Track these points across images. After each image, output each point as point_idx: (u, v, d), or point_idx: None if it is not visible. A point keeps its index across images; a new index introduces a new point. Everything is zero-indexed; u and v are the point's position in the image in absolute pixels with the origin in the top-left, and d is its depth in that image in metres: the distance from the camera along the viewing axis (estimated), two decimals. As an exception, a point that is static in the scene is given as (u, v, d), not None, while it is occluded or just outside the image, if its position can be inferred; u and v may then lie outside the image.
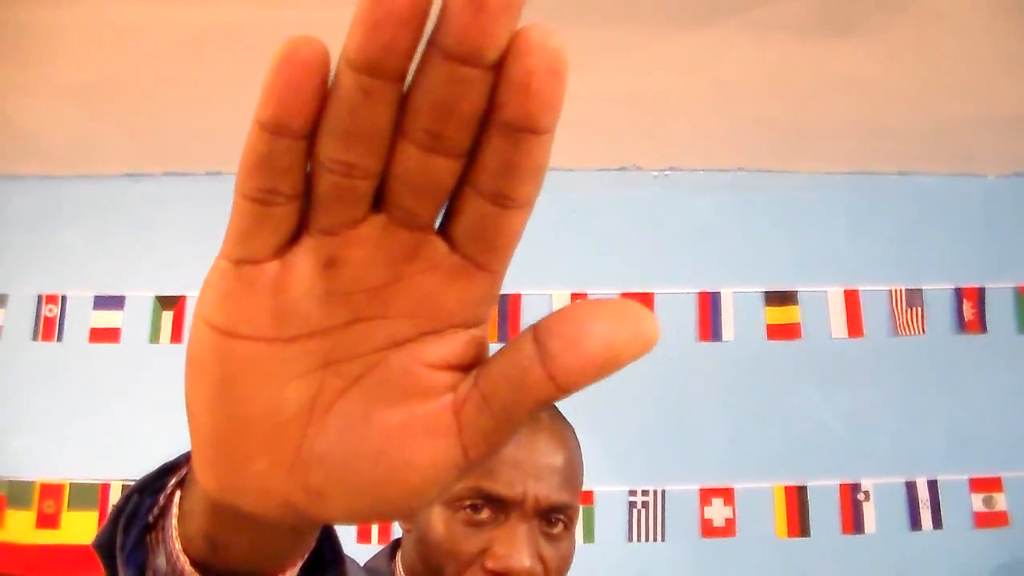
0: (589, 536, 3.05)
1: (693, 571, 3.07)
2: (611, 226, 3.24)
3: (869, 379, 3.21)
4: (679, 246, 3.24)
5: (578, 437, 0.99)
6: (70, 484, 3.18)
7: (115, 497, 3.15)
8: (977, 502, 3.17)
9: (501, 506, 0.90)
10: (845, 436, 3.16)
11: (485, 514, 0.90)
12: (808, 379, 3.19)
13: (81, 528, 3.16)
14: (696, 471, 3.10)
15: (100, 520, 3.14)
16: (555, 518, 0.93)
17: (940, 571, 3.11)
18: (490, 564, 0.88)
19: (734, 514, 3.10)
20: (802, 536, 3.10)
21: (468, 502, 0.90)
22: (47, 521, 3.17)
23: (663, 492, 3.08)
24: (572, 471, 0.95)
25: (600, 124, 2.91)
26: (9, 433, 3.24)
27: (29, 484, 3.20)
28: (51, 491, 3.18)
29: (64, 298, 3.28)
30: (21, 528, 3.18)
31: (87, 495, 3.17)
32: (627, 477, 3.08)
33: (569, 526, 0.95)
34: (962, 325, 3.27)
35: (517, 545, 0.89)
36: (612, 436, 2.95)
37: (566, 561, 0.94)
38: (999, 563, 3.11)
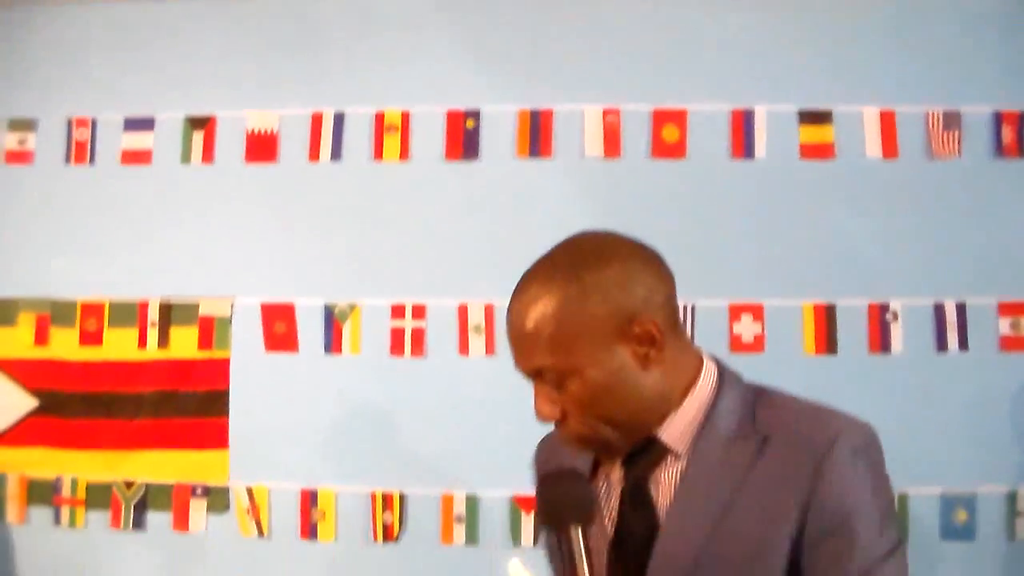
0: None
1: (721, 384, 3.11)
2: (645, 42, 3.18)
3: (902, 201, 3.17)
4: (713, 63, 3.18)
5: (575, 287, 1.04)
6: (110, 303, 3.26)
7: (153, 314, 3.22)
8: (1004, 326, 3.17)
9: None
10: (875, 257, 3.15)
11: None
12: (840, 199, 3.17)
13: (122, 344, 3.25)
14: (726, 287, 3.11)
15: (140, 338, 3.23)
16: (545, 376, 1.05)
17: (965, 392, 3.14)
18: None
19: (763, 330, 3.13)
20: (829, 354, 3.13)
21: None
22: (90, 339, 3.26)
23: (693, 307, 3.11)
24: (544, 331, 1.02)
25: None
26: (48, 255, 3.30)
27: (71, 303, 3.28)
28: (92, 310, 3.27)
29: (95, 121, 3.30)
30: (65, 346, 3.28)
31: (127, 313, 3.25)
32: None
33: (563, 379, 1.04)
34: (1000, 149, 3.22)
35: (535, 401, 1.08)
36: (643, 250, 2.96)
37: (580, 398, 1.04)
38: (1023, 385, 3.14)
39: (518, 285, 1.08)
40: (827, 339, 3.14)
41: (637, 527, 1.09)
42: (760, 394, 1.14)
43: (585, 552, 0.99)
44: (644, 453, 1.10)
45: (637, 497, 1.10)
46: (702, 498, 1.06)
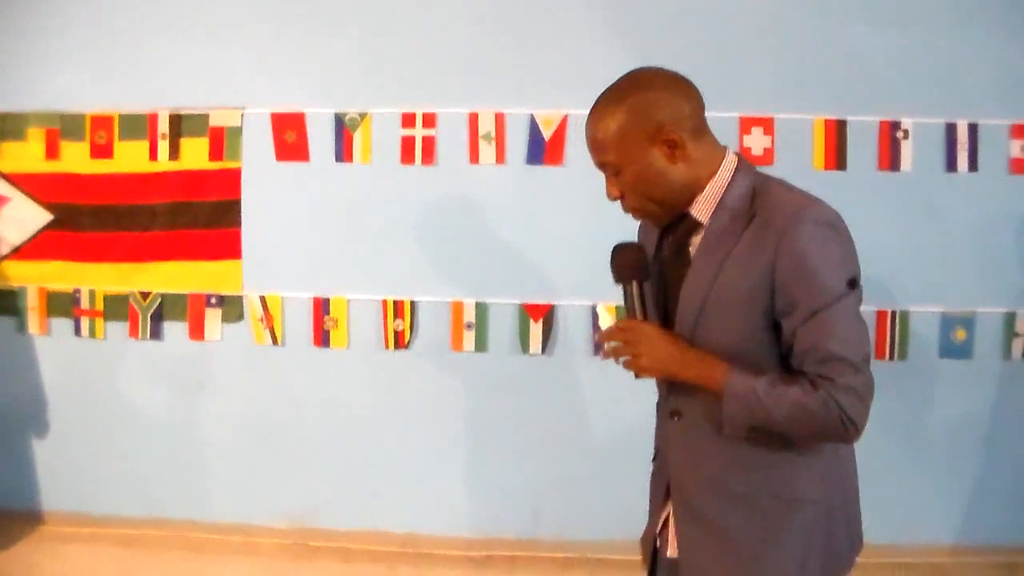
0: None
1: (729, 197, 3.13)
2: None
3: (919, 17, 3.11)
4: None
5: (622, 109, 1.42)
6: (119, 115, 3.25)
7: (163, 126, 3.22)
8: (1015, 148, 3.15)
9: None
10: (889, 74, 3.11)
11: None
12: (856, 13, 3.10)
13: (133, 157, 3.25)
14: (737, 100, 3.10)
15: (151, 150, 3.23)
16: (608, 168, 1.47)
17: (971, 213, 3.15)
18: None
19: (772, 144, 3.12)
20: (838, 169, 3.13)
21: None
22: (100, 151, 3.27)
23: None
24: (606, 138, 1.43)
25: None
26: (55, 68, 3.27)
27: (80, 116, 3.27)
28: (101, 123, 3.26)
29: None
30: (76, 159, 3.29)
31: (136, 125, 3.24)
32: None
33: (620, 170, 1.44)
34: (1018, -33, 3.14)
35: (606, 185, 1.49)
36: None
37: (631, 182, 1.44)
38: (1031, 207, 3.15)
39: (592, 105, 1.48)
40: (836, 154, 3.13)
41: (676, 278, 1.49)
42: (764, 183, 1.46)
43: (640, 299, 1.48)
44: (683, 224, 1.49)
45: (678, 256, 1.50)
46: (709, 257, 1.43)
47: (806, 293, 1.32)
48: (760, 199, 1.40)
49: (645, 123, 1.39)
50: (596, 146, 1.45)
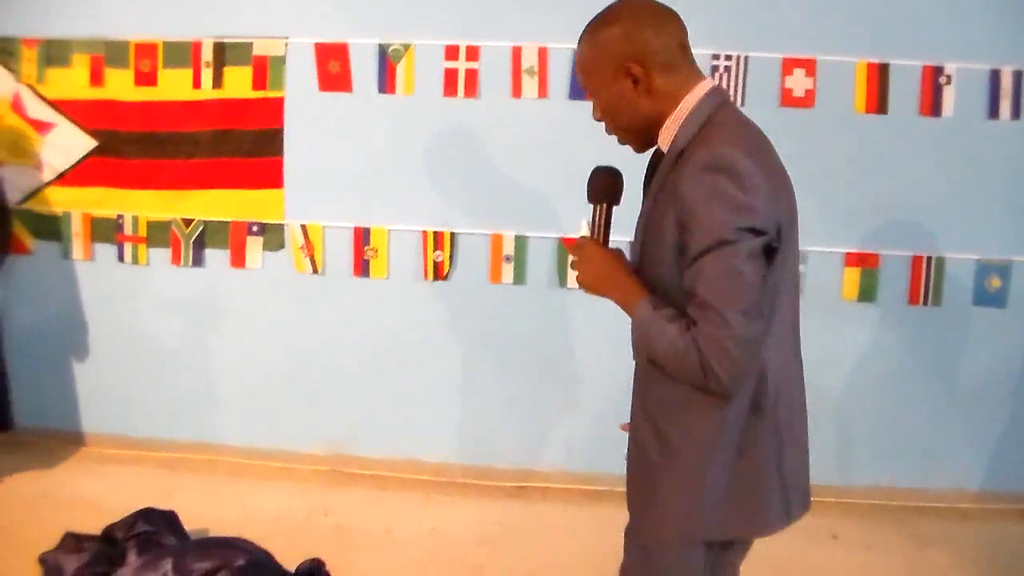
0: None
1: (771, 138, 3.10)
2: None
3: (966, -39, 3.10)
4: None
5: (592, 42, 1.46)
6: (163, 43, 3.27)
7: (207, 55, 3.24)
8: (1059, 96, 3.14)
9: None
10: (934, 18, 3.09)
11: None
12: (903, -45, 3.09)
13: (177, 85, 3.28)
14: (779, 41, 3.09)
15: (194, 78, 3.26)
16: (589, 95, 1.51)
17: (1011, 161, 3.14)
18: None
19: (814, 86, 3.12)
20: (880, 113, 3.12)
21: None
22: (144, 79, 3.29)
23: (746, 58, 3.09)
24: (581, 67, 1.49)
25: None
26: (100, -7, 3.30)
27: (124, 44, 3.29)
28: (146, 50, 3.28)
29: None
30: (120, 86, 3.31)
31: (181, 53, 3.26)
32: (711, 42, 3.09)
33: (593, 97, 1.49)
34: (1073, -92, 3.10)
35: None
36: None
37: (603, 110, 1.49)
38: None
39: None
40: (878, 98, 3.12)
41: (646, 202, 1.53)
42: (711, 120, 1.41)
43: (600, 221, 1.54)
44: (657, 154, 1.55)
45: (647, 187, 1.57)
46: (650, 190, 1.49)
47: (692, 237, 1.32)
48: (699, 137, 1.38)
49: (612, 56, 1.42)
50: (578, 73, 1.52)
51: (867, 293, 3.22)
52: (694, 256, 1.31)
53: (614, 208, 1.55)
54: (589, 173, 1.57)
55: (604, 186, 1.54)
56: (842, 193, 3.16)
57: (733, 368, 1.29)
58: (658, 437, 1.46)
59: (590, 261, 1.50)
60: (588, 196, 1.55)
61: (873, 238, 3.19)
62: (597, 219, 1.53)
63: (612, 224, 1.54)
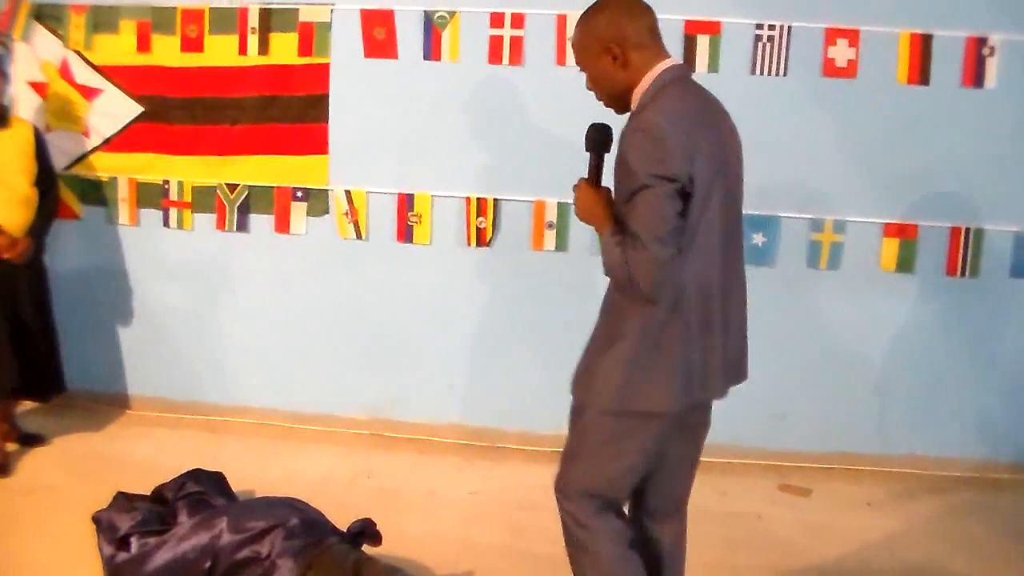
0: (714, 66, 3.13)
1: (813, 108, 3.15)
2: None
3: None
4: None
5: (584, 27, 1.82)
6: (210, 9, 3.30)
7: (253, 21, 3.27)
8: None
9: None
10: (978, -10, 3.11)
11: None
12: (947, -77, 3.09)
13: (223, 51, 3.31)
14: (823, 11, 3.09)
15: (240, 44, 3.28)
16: (581, 70, 1.87)
17: (1054, 133, 3.16)
18: None
19: (857, 56, 3.12)
20: (921, 84, 3.13)
21: None
22: (191, 45, 3.33)
23: (789, 28, 3.11)
24: (574, 48, 1.87)
25: None
26: (147, -39, 3.33)
27: (171, 10, 3.32)
28: (192, 16, 3.32)
29: None
30: (167, 52, 3.35)
31: (227, 19, 3.29)
32: (754, 11, 3.10)
33: (584, 70, 1.85)
34: None
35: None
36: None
37: (590, 82, 1.86)
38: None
39: None
40: (920, 69, 3.13)
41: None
42: (659, 92, 1.76)
43: (593, 167, 1.87)
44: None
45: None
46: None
47: (627, 181, 1.69)
48: (647, 104, 1.75)
49: (596, 39, 1.80)
50: (573, 52, 1.89)
51: (905, 264, 3.24)
52: (627, 196, 1.69)
53: (604, 156, 1.89)
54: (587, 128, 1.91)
55: (594, 138, 1.88)
56: (882, 164, 3.17)
57: (649, 280, 1.68)
58: (606, 331, 1.86)
59: (582, 198, 1.86)
60: (585, 146, 1.90)
61: (912, 209, 3.21)
62: (591, 164, 1.87)
63: (603, 169, 1.86)
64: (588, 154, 1.88)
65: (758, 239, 3.22)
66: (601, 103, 1.90)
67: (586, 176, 1.87)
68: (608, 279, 1.81)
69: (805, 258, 3.25)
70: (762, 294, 3.21)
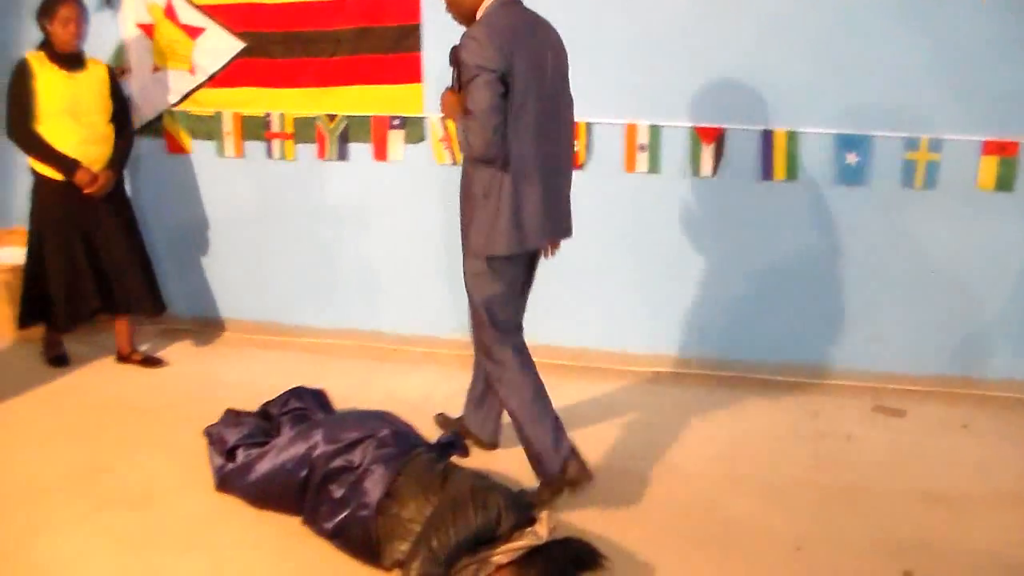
0: None
1: (907, 23, 3.05)
2: None
3: None
4: None
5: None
6: (306, -56, 3.38)
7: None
8: None
9: None
10: None
11: None
12: None
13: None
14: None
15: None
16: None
17: None
18: None
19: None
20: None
21: None
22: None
23: None
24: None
25: None
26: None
27: (269, -54, 3.42)
28: (290, -48, 3.41)
29: None
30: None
31: (323, -46, 3.38)
32: None
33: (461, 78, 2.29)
34: None
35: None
36: None
37: (449, 4, 2.39)
38: None
39: None
40: None
41: None
42: (491, 11, 2.30)
43: (457, 76, 2.30)
44: None
45: None
46: None
47: (463, 75, 2.23)
48: (480, 19, 2.28)
49: None
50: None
51: (1004, 182, 3.16)
52: (465, 85, 2.22)
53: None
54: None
55: (453, 56, 2.27)
56: (980, 80, 3.09)
57: (480, 141, 2.20)
58: (467, 192, 2.38)
59: (446, 100, 2.36)
60: (448, 62, 2.31)
61: (1012, 126, 3.12)
62: (453, 76, 2.32)
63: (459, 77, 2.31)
64: (451, 68, 2.31)
65: (851, 159, 3.19)
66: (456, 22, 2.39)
67: (449, 85, 2.35)
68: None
69: (899, 178, 3.20)
70: (855, 214, 3.23)
